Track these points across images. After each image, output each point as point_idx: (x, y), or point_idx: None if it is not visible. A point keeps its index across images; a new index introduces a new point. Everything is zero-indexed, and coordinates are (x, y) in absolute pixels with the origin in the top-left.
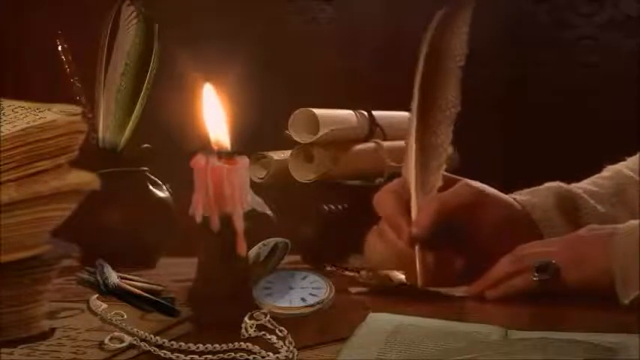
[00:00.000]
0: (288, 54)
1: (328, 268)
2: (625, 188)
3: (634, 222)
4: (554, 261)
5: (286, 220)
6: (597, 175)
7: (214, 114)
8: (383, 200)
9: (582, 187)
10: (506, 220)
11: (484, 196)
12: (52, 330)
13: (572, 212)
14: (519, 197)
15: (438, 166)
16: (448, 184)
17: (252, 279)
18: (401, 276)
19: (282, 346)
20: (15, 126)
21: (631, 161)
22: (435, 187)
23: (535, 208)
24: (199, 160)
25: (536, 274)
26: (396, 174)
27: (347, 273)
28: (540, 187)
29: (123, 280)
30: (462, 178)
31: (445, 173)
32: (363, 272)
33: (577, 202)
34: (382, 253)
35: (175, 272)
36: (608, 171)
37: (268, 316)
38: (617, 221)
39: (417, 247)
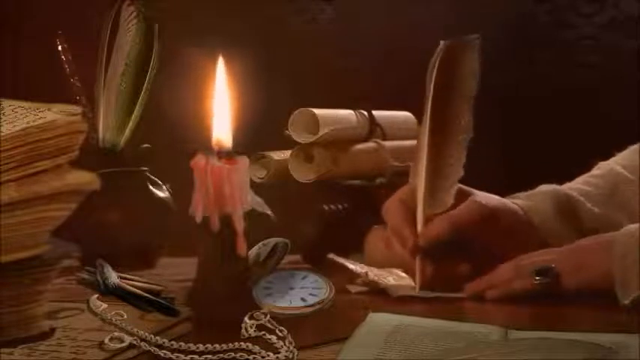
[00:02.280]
0: (288, 54)
1: (330, 256)
2: (618, 187)
3: (632, 226)
4: (554, 265)
5: (286, 220)
6: (589, 174)
7: (222, 93)
8: (391, 209)
9: (577, 188)
10: (513, 228)
11: (493, 211)
12: (52, 330)
13: (570, 216)
14: (519, 202)
15: (450, 184)
16: (457, 196)
17: (252, 279)
18: (402, 274)
19: (282, 346)
20: (15, 126)
21: (621, 157)
22: (447, 204)
23: (535, 214)
24: (199, 160)
25: (536, 278)
26: (396, 173)
27: (348, 265)
28: (536, 191)
29: (123, 280)
30: (469, 189)
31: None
32: (363, 273)
33: (574, 205)
34: (387, 258)
35: (175, 272)
36: (600, 169)
37: (268, 316)
38: (612, 221)
39: (418, 257)
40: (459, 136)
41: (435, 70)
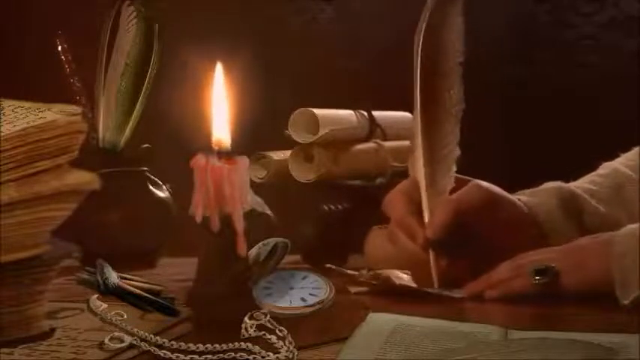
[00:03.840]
0: (288, 54)
1: (328, 266)
2: (623, 186)
3: (632, 226)
4: (553, 265)
5: (286, 220)
6: (594, 173)
7: (220, 96)
8: (393, 201)
9: (582, 186)
10: (514, 220)
11: (495, 197)
12: (52, 330)
13: (575, 213)
14: (523, 198)
15: (447, 168)
16: (457, 184)
17: (252, 279)
18: (402, 275)
19: (282, 346)
20: (15, 126)
21: (626, 158)
22: (447, 189)
23: (539, 210)
24: (199, 160)
25: (536, 278)
26: (397, 174)
27: (347, 272)
28: (540, 188)
29: (123, 280)
30: (470, 178)
31: (455, 174)
32: (363, 271)
33: (579, 202)
34: (391, 254)
35: (175, 272)
36: (605, 169)
37: (268, 316)
38: (617, 220)
39: (430, 250)
40: (450, 109)
41: (422, 37)
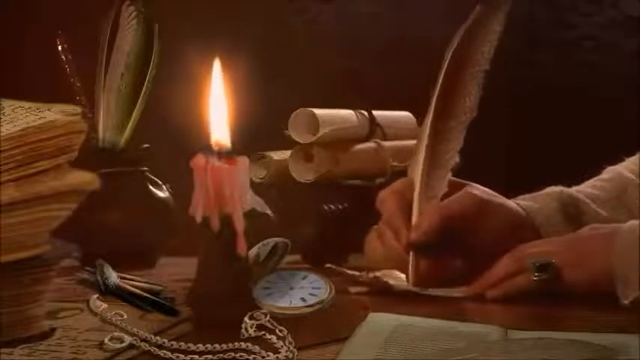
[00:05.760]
0: (288, 54)
1: (328, 266)
2: (626, 191)
3: (635, 222)
4: (554, 260)
5: (286, 220)
6: (597, 178)
7: (220, 94)
8: (385, 200)
9: (584, 191)
10: (509, 226)
11: (487, 205)
12: (52, 330)
13: (574, 217)
14: (522, 202)
15: (444, 173)
16: (452, 188)
17: (252, 279)
18: (401, 275)
19: (282, 346)
20: (15, 126)
21: (630, 162)
22: (440, 194)
23: (538, 214)
24: (199, 160)
25: (536, 274)
26: (397, 174)
27: (347, 272)
28: (542, 192)
29: (123, 280)
30: (466, 182)
31: (450, 178)
32: (363, 273)
33: (580, 207)
34: (381, 253)
35: (175, 272)
36: (608, 173)
37: (268, 316)
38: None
39: (411, 253)
40: (462, 116)
41: (457, 43)
